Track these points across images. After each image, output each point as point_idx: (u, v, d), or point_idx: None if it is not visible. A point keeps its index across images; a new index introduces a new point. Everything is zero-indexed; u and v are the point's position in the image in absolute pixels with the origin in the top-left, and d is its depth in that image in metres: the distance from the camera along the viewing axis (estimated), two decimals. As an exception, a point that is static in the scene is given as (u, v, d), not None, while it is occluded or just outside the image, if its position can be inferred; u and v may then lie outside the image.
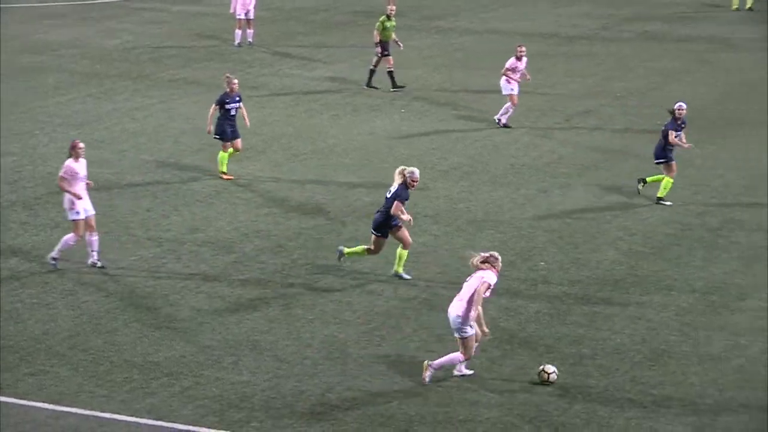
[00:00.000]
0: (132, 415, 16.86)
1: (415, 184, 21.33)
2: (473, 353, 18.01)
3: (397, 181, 21.32)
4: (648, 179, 26.37)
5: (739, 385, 17.98)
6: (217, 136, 27.09)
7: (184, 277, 21.72)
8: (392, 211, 21.12)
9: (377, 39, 35.35)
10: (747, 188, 27.21)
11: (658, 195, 26.08)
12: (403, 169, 21.33)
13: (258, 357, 18.69)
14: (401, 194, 21.20)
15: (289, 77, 37.56)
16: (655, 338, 19.58)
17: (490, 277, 17.78)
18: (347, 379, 18.01)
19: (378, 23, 35.54)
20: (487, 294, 17.82)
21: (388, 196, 21.35)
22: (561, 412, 17.14)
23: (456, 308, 17.77)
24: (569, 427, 16.84)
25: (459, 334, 17.83)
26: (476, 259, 18.02)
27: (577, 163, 29.14)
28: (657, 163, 26.21)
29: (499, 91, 31.84)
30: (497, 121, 31.80)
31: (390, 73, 35.60)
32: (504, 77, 31.32)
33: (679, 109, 26.00)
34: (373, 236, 21.56)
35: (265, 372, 18.19)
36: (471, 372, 18.16)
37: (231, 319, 20.05)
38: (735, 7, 50.41)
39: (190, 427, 16.61)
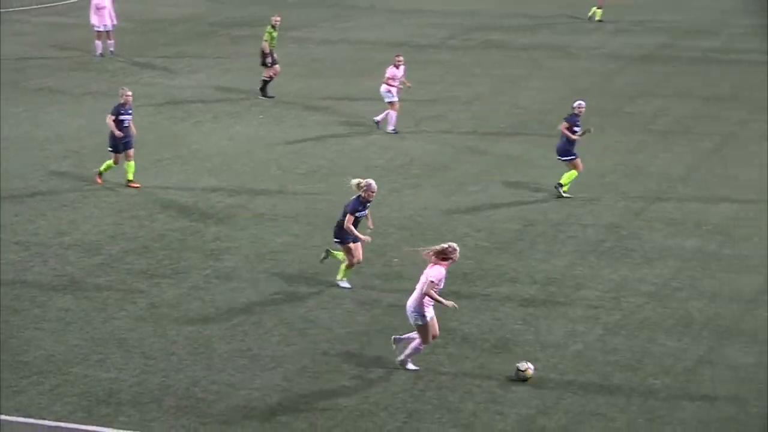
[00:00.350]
0: (1, 414, 16.81)
1: (372, 195, 21.13)
2: (430, 341, 18.43)
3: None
4: (563, 181, 27.09)
5: (579, 369, 18.69)
6: (111, 149, 27.12)
7: (51, 279, 21.81)
8: (345, 225, 21.11)
9: (267, 50, 35.52)
10: (584, 186, 27.79)
11: (561, 182, 26.99)
12: (359, 182, 21.13)
13: (125, 354, 18.84)
14: (352, 207, 21.04)
15: (151, 86, 37.50)
16: (500, 328, 20.12)
17: (434, 273, 18.09)
18: (212, 374, 18.28)
19: (266, 34, 35.52)
20: (440, 286, 18.22)
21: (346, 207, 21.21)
22: (414, 399, 17.64)
23: (410, 300, 18.35)
24: (421, 412, 17.28)
25: (413, 322, 18.35)
26: (431, 253, 18.19)
27: (427, 164, 29.72)
28: (562, 161, 27.05)
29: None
30: (376, 123, 32.37)
31: (266, 82, 35.91)
32: (385, 85, 31.88)
33: (578, 107, 27.02)
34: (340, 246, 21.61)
35: (133, 368, 18.36)
36: (416, 368, 18.58)
37: (98, 318, 20.18)
38: (590, 15, 51.69)
39: (60, 424, 16.55)
